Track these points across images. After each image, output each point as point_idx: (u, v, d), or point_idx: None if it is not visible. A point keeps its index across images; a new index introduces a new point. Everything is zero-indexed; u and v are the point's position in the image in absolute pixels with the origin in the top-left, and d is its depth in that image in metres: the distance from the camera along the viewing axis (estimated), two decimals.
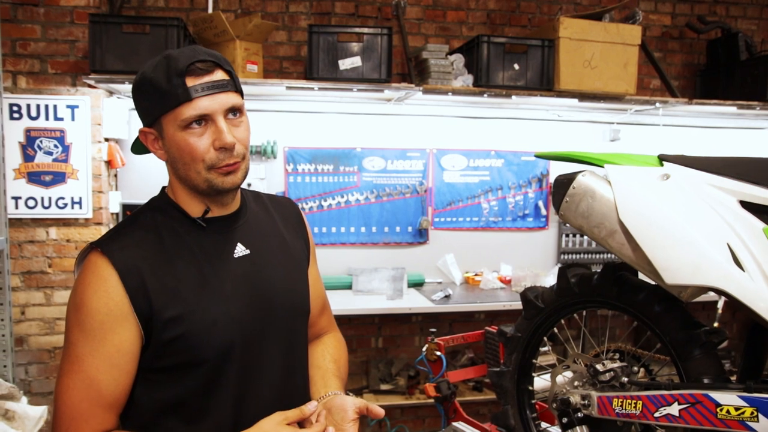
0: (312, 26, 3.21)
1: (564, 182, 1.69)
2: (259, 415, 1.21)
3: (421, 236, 3.98)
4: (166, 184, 1.31)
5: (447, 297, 3.53)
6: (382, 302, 3.50)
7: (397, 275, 3.65)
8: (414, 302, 3.51)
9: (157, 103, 1.15)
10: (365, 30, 3.23)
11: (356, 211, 3.89)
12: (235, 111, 1.19)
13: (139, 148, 1.30)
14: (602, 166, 1.64)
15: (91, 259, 1.16)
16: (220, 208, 1.27)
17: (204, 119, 1.15)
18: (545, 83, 3.36)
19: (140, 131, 1.23)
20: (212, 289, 1.21)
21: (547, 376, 1.96)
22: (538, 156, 1.94)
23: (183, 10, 3.59)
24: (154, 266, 1.17)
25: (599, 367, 1.67)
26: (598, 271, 1.74)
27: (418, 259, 3.97)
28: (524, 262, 3.99)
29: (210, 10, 3.38)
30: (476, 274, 3.94)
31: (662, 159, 1.61)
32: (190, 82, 1.13)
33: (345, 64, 3.19)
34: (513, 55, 3.35)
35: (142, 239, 1.20)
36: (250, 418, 1.21)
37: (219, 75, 1.17)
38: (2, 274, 2.24)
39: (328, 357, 1.48)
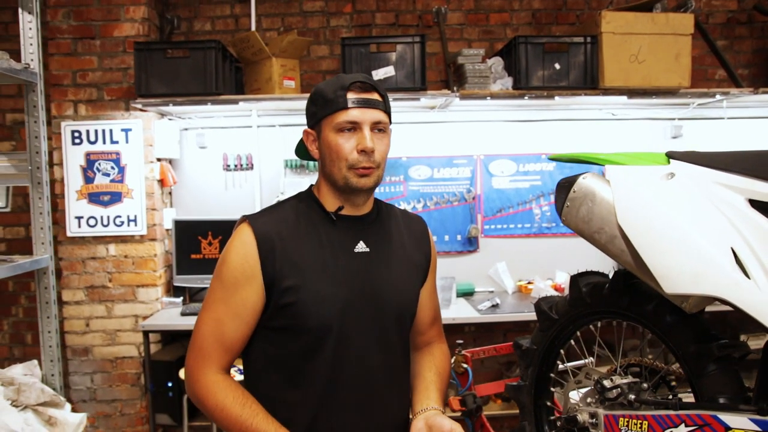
0: (344, 39, 3.24)
1: (565, 186, 1.60)
2: (349, 389, 1.39)
3: (470, 244, 3.89)
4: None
5: (494, 306, 3.42)
6: None
7: (446, 285, 3.57)
8: (460, 312, 3.42)
9: (321, 107, 1.41)
10: (397, 39, 3.22)
11: None
12: (380, 127, 1.41)
13: (300, 152, 1.54)
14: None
15: (241, 227, 1.42)
16: (353, 208, 1.47)
17: (354, 127, 1.38)
18: (589, 81, 3.20)
19: (304, 131, 1.49)
20: (328, 273, 1.40)
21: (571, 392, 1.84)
22: (552, 158, 1.84)
23: (228, 32, 3.72)
24: (285, 241, 1.40)
25: (606, 383, 1.55)
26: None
27: (468, 268, 3.88)
28: (580, 268, 3.77)
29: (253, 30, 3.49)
30: (529, 282, 3.80)
31: (669, 156, 1.48)
32: (350, 95, 1.38)
33: (378, 74, 3.18)
34: (553, 55, 3.22)
35: (282, 219, 1.44)
36: (340, 392, 1.39)
37: (374, 96, 1.40)
38: (48, 289, 2.39)
39: (433, 369, 1.58)
